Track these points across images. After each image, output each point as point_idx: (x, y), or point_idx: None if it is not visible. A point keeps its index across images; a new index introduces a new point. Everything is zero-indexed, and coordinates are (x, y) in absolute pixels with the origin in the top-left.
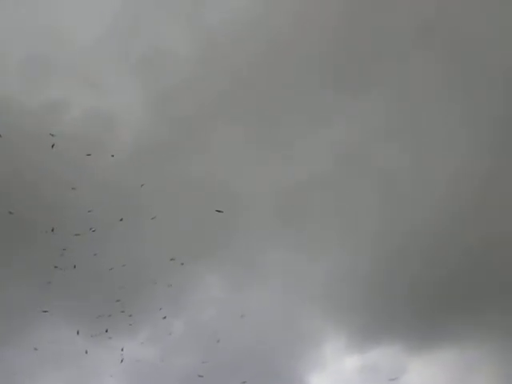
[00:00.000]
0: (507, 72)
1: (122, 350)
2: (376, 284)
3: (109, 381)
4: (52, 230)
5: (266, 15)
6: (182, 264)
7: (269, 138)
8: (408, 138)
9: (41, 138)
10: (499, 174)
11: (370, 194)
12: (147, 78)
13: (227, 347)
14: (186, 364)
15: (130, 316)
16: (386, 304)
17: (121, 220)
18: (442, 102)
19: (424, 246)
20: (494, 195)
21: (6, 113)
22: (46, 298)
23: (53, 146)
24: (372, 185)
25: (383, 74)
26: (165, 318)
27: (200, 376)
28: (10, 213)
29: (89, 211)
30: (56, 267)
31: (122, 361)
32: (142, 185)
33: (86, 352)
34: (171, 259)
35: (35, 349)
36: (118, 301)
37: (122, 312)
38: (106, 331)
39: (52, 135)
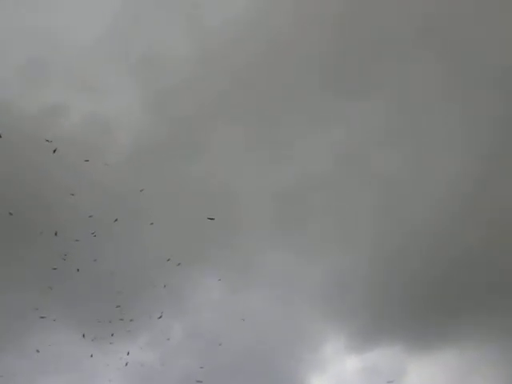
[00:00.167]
0: (506, 73)
1: (128, 353)
2: (375, 285)
3: None
4: (55, 234)
5: (266, 15)
6: (179, 264)
7: (268, 139)
8: (407, 139)
9: (39, 141)
10: (498, 175)
11: (370, 195)
12: (146, 79)
13: (228, 349)
14: (186, 367)
15: (131, 321)
16: (386, 305)
17: (115, 221)
18: (442, 103)
19: (423, 246)
20: (493, 196)
21: (5, 116)
22: (45, 303)
23: (55, 151)
24: (371, 186)
25: (383, 75)
26: (160, 317)
27: (199, 382)
28: (10, 214)
29: (90, 216)
30: (55, 269)
31: (126, 364)
32: (141, 190)
33: (92, 356)
34: (168, 260)
35: (37, 351)
36: (118, 306)
37: (121, 320)
38: (112, 335)
39: (48, 141)
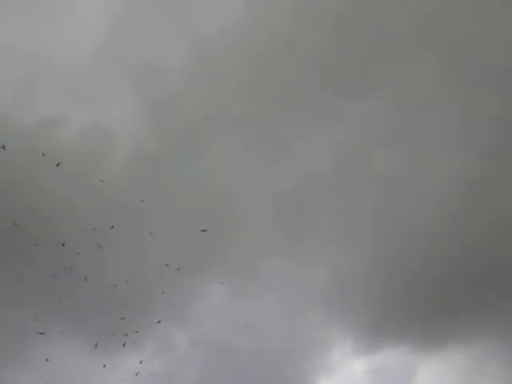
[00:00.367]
0: (506, 73)
1: (141, 362)
2: (377, 285)
3: None
4: (63, 245)
5: (265, 15)
6: (179, 269)
7: (268, 140)
8: (407, 139)
9: (38, 152)
10: (498, 175)
11: (370, 195)
12: (144, 89)
13: (234, 355)
14: (193, 376)
15: (137, 332)
16: (388, 306)
17: (111, 228)
18: (442, 103)
19: (424, 246)
20: (493, 196)
21: (4, 128)
22: (52, 316)
23: (58, 165)
24: (371, 186)
25: (383, 75)
26: (159, 322)
27: None
28: (16, 224)
29: (93, 229)
30: (56, 277)
31: (137, 374)
32: (142, 200)
33: (104, 366)
34: (166, 265)
35: (46, 359)
36: (122, 318)
37: (126, 335)
38: (124, 345)
39: (43, 154)
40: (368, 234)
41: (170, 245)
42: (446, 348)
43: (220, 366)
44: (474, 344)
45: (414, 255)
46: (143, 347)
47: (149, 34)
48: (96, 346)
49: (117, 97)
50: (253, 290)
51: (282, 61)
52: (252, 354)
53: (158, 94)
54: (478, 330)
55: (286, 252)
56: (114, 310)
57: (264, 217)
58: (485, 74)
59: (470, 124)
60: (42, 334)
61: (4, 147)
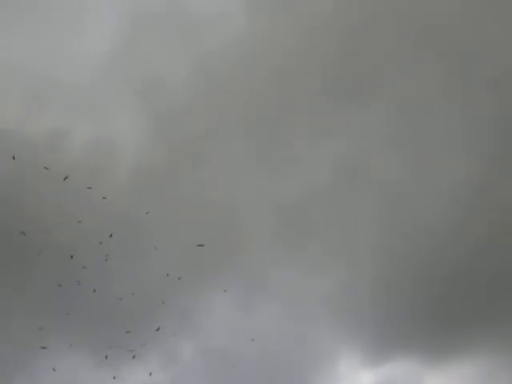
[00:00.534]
0: (507, 79)
1: (150, 374)
2: (386, 297)
3: None
4: (71, 257)
5: (266, 28)
6: (179, 278)
7: (270, 152)
8: (409, 146)
9: (43, 165)
10: (500, 177)
11: (372, 206)
12: (147, 103)
13: (241, 366)
14: None
15: (144, 345)
16: (399, 317)
17: (110, 236)
18: (443, 113)
19: (431, 254)
20: (496, 199)
21: (9, 140)
22: (53, 327)
23: (65, 179)
24: (373, 195)
25: (383, 86)
26: (158, 329)
27: None
28: (23, 233)
29: (100, 242)
30: (60, 285)
31: None
32: (146, 212)
33: (114, 378)
34: (167, 274)
35: (54, 369)
36: (128, 332)
37: (131, 351)
38: (134, 357)
39: (46, 168)
40: (372, 244)
41: (175, 257)
42: (454, 360)
43: (227, 377)
44: (482, 356)
45: (418, 265)
46: (150, 360)
47: (152, 49)
48: (106, 357)
49: (120, 111)
50: (258, 303)
51: (281, 74)
52: (259, 366)
53: (161, 108)
54: (487, 342)
55: (291, 264)
56: (120, 323)
57: (268, 229)
58: (485, 75)
59: (471, 126)
60: (43, 348)
61: (14, 158)
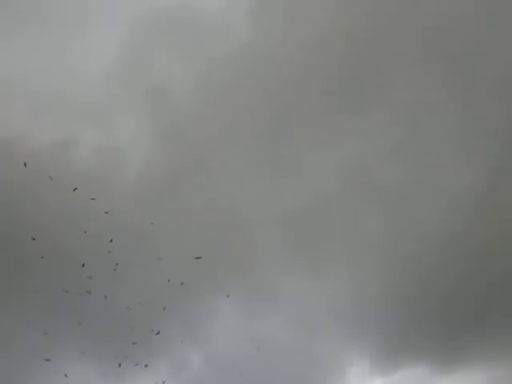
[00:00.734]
0: (508, 85)
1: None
2: (395, 304)
3: None
4: (82, 266)
5: (270, 38)
6: (182, 284)
7: (275, 161)
8: (412, 157)
9: (50, 174)
10: (504, 184)
11: (377, 212)
12: (154, 111)
13: (248, 375)
14: None
15: (150, 355)
16: (409, 325)
17: (110, 241)
18: (445, 120)
19: (437, 263)
20: (499, 209)
21: (16, 150)
22: (61, 337)
23: (75, 190)
24: (378, 203)
25: (385, 94)
26: (158, 333)
27: None
28: (33, 239)
29: (108, 252)
30: (67, 292)
31: None
32: (151, 223)
33: None
34: (168, 280)
35: (65, 375)
36: (134, 343)
37: (136, 365)
38: (146, 366)
39: (51, 178)
40: (378, 251)
41: (181, 266)
42: (464, 368)
43: None
44: (494, 364)
45: (426, 271)
46: (158, 369)
47: (156, 59)
48: (120, 365)
49: (125, 120)
50: (267, 311)
51: (284, 83)
52: (267, 375)
53: (166, 118)
54: (499, 350)
55: (298, 272)
56: (127, 333)
57: (274, 238)
58: (486, 89)
59: (474, 134)
60: (47, 360)
61: (25, 165)
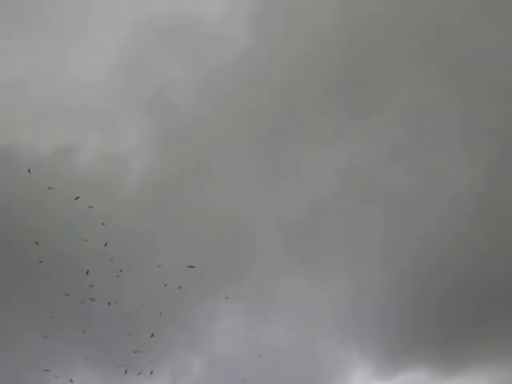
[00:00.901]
0: (508, 85)
1: None
2: (397, 308)
3: None
4: (87, 273)
5: (269, 45)
6: (179, 287)
7: (274, 167)
8: (412, 160)
9: (52, 181)
10: (506, 186)
11: (378, 215)
12: (155, 119)
13: (251, 380)
14: None
15: (152, 363)
16: (411, 329)
17: (105, 245)
18: (445, 122)
19: (439, 266)
20: (499, 211)
21: (17, 157)
22: (63, 346)
23: (76, 199)
24: (379, 206)
25: (385, 97)
26: (152, 335)
27: None
28: (37, 243)
29: (111, 259)
30: (67, 295)
31: None
32: (148, 228)
33: None
34: (165, 284)
35: (71, 380)
36: (136, 352)
37: (139, 374)
38: (151, 373)
39: (49, 188)
40: (379, 255)
41: (182, 270)
42: (467, 371)
43: None
44: (495, 367)
45: (429, 275)
46: (161, 376)
47: (157, 66)
48: (126, 372)
49: (127, 127)
50: (269, 316)
51: (283, 88)
52: (269, 379)
53: (167, 125)
54: (500, 352)
55: (300, 276)
56: (128, 340)
57: (274, 238)
58: (486, 93)
59: (474, 136)
60: (47, 371)
61: (29, 170)
